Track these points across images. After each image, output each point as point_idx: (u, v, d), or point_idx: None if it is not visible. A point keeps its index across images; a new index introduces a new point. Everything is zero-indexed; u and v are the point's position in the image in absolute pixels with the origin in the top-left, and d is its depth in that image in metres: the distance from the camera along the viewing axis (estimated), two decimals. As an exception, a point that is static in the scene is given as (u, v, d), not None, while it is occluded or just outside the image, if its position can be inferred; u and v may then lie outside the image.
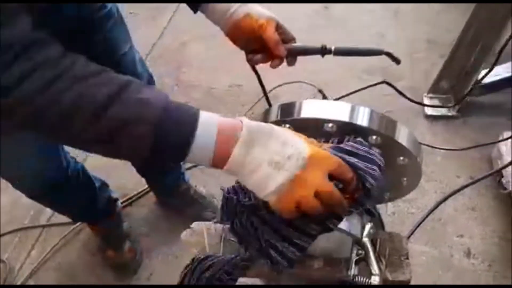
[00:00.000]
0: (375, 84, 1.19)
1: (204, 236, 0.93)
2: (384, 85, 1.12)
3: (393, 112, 1.76)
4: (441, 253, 1.54)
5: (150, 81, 1.36)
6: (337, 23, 2.50)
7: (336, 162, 0.59)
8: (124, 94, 0.55)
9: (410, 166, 0.74)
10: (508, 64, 1.73)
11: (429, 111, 1.95)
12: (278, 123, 0.73)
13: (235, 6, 0.88)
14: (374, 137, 0.69)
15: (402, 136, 0.71)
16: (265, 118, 0.77)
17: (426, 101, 1.97)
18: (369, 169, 0.61)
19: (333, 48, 0.97)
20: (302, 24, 2.52)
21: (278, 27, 0.91)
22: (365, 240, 0.70)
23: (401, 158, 0.73)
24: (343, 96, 1.27)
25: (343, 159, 0.60)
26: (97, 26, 1.06)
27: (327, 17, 2.56)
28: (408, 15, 2.48)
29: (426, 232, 1.57)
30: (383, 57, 2.35)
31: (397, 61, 1.03)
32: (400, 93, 1.18)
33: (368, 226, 0.71)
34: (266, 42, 0.88)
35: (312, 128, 0.72)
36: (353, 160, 0.61)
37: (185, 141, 0.57)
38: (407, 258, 0.84)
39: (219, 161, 0.58)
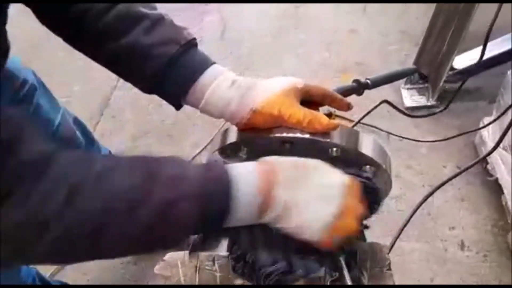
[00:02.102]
0: (377, 106, 1.18)
1: (179, 268, 0.89)
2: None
3: (370, 107, 1.72)
4: (434, 248, 1.49)
5: (90, 141, 1.28)
6: (308, 22, 2.47)
7: (360, 186, 0.61)
8: (157, 175, 0.49)
9: (378, 173, 0.70)
10: (480, 49, 1.69)
11: (408, 102, 1.92)
12: (237, 143, 0.70)
13: (232, 102, 0.64)
14: (334, 149, 0.65)
15: (365, 146, 0.67)
16: (223, 138, 0.73)
17: (404, 92, 1.94)
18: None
19: (369, 81, 0.86)
20: (272, 24, 2.49)
21: (301, 93, 0.66)
22: (339, 258, 0.66)
23: (367, 166, 0.69)
24: (353, 125, 1.25)
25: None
26: (25, 105, 1.00)
27: (297, 17, 2.53)
28: (376, 9, 2.46)
29: (417, 228, 1.53)
30: (357, 52, 2.34)
31: (424, 77, 1.01)
32: (401, 111, 1.18)
33: (340, 243, 0.67)
34: None
35: (272, 148, 0.68)
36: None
37: (228, 199, 0.52)
38: (390, 269, 0.80)
39: (264, 207, 0.54)
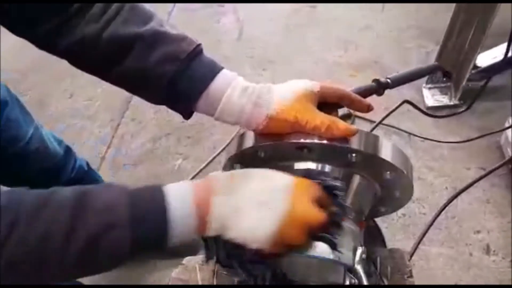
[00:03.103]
0: (398, 107, 1.15)
1: (197, 272, 0.88)
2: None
3: (391, 107, 1.69)
4: (459, 253, 1.45)
5: (68, 152, 1.33)
6: (324, 20, 2.45)
7: (317, 188, 0.58)
8: (85, 208, 0.50)
9: (399, 179, 0.68)
10: (504, 45, 1.64)
11: (430, 102, 1.87)
12: (254, 148, 0.69)
13: (246, 110, 0.63)
14: (353, 154, 0.64)
15: (385, 151, 0.65)
16: (239, 143, 0.72)
17: (425, 92, 1.89)
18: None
19: (389, 80, 0.81)
20: (288, 24, 2.48)
21: (318, 97, 0.64)
22: (357, 267, 0.64)
23: (388, 172, 0.67)
24: (374, 127, 1.23)
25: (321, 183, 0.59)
26: None
27: (313, 16, 2.51)
28: (393, 5, 2.41)
29: (441, 232, 1.49)
30: (374, 49, 2.29)
31: (447, 75, 0.96)
32: (422, 111, 1.15)
33: (359, 251, 0.65)
34: None
35: (290, 153, 0.67)
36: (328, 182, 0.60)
37: (162, 224, 0.52)
38: (411, 276, 0.78)
39: (203, 219, 0.53)
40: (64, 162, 1.31)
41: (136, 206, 0.51)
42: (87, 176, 1.43)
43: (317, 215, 0.55)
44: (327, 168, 0.66)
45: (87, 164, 1.45)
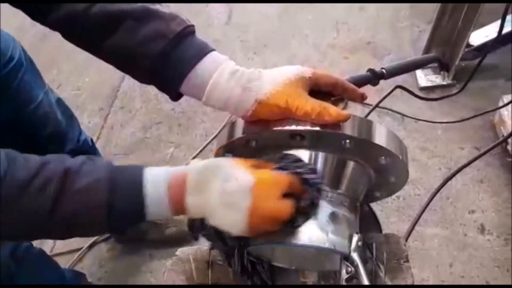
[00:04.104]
0: (390, 92, 1.14)
1: (191, 263, 0.88)
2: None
3: (384, 90, 1.67)
4: (453, 233, 1.45)
5: (69, 122, 1.32)
6: (315, 2, 2.40)
7: (286, 181, 0.58)
8: (67, 191, 0.54)
9: (394, 164, 0.67)
10: (497, 23, 1.62)
11: (423, 82, 1.85)
12: (245, 137, 0.67)
13: (234, 94, 0.62)
14: (347, 141, 0.62)
15: (379, 137, 0.63)
16: (230, 132, 0.70)
17: (418, 72, 1.87)
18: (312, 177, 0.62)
19: (384, 71, 0.80)
20: (279, 6, 2.43)
21: (310, 83, 0.64)
22: (353, 255, 0.63)
23: (382, 157, 0.66)
24: (368, 113, 1.22)
25: (291, 172, 0.60)
26: (9, 80, 1.05)
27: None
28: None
29: (435, 213, 1.48)
30: (367, 30, 2.25)
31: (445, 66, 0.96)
32: (415, 95, 1.13)
33: (355, 239, 0.64)
34: None
35: (282, 141, 0.65)
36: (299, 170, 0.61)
37: (138, 209, 0.57)
38: (407, 261, 0.77)
39: (179, 211, 0.58)
40: (66, 131, 1.30)
41: (113, 196, 0.55)
42: (91, 150, 1.44)
43: (278, 207, 0.57)
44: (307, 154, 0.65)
45: (92, 140, 1.47)
